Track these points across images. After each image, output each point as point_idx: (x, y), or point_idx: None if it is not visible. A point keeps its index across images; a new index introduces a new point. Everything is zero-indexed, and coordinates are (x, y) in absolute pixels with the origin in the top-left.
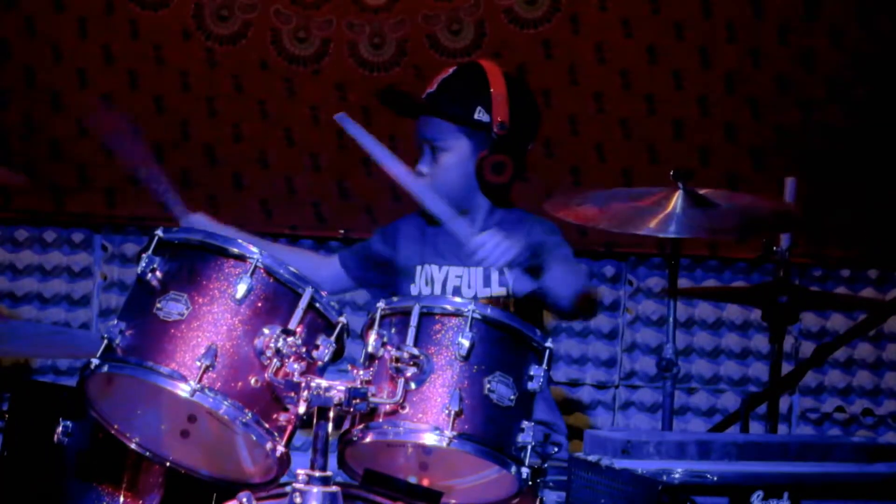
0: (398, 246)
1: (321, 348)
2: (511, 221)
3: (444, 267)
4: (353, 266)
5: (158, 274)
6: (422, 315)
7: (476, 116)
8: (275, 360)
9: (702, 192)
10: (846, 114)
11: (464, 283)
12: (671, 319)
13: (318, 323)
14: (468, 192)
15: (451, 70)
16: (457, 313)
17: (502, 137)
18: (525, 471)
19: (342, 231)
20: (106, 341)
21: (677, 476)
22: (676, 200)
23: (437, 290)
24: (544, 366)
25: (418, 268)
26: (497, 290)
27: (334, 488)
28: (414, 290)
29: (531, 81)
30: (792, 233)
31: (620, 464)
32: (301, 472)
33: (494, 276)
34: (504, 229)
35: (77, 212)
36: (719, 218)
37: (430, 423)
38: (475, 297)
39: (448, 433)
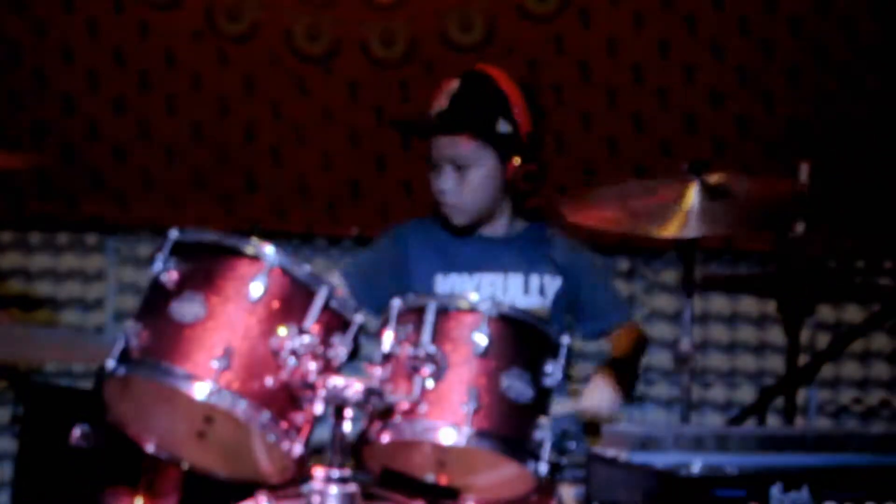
0: (409, 251)
1: (337, 347)
2: (533, 237)
3: (475, 274)
4: (358, 285)
5: (173, 275)
6: (437, 312)
7: (500, 129)
8: (291, 359)
9: (716, 178)
10: (859, 105)
11: (498, 289)
12: (688, 313)
13: (334, 322)
14: (495, 203)
15: (455, 83)
16: (473, 310)
17: (529, 145)
18: (543, 467)
19: (356, 230)
20: (122, 344)
21: (696, 469)
22: (693, 195)
23: None
24: (561, 362)
25: (438, 276)
26: (535, 303)
27: (352, 487)
28: None
29: (542, 77)
30: (807, 220)
31: (639, 458)
32: (319, 472)
33: (534, 284)
34: (525, 242)
35: (89, 215)
36: (737, 208)
37: (447, 420)
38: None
39: (466, 430)
